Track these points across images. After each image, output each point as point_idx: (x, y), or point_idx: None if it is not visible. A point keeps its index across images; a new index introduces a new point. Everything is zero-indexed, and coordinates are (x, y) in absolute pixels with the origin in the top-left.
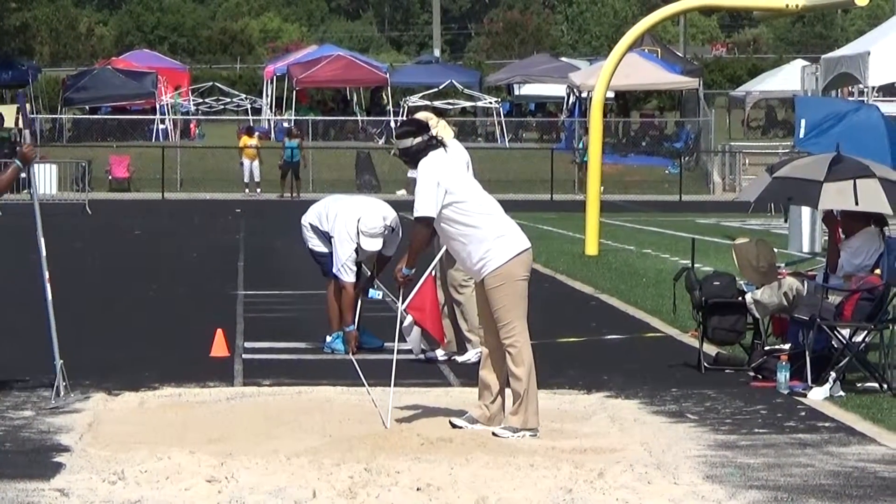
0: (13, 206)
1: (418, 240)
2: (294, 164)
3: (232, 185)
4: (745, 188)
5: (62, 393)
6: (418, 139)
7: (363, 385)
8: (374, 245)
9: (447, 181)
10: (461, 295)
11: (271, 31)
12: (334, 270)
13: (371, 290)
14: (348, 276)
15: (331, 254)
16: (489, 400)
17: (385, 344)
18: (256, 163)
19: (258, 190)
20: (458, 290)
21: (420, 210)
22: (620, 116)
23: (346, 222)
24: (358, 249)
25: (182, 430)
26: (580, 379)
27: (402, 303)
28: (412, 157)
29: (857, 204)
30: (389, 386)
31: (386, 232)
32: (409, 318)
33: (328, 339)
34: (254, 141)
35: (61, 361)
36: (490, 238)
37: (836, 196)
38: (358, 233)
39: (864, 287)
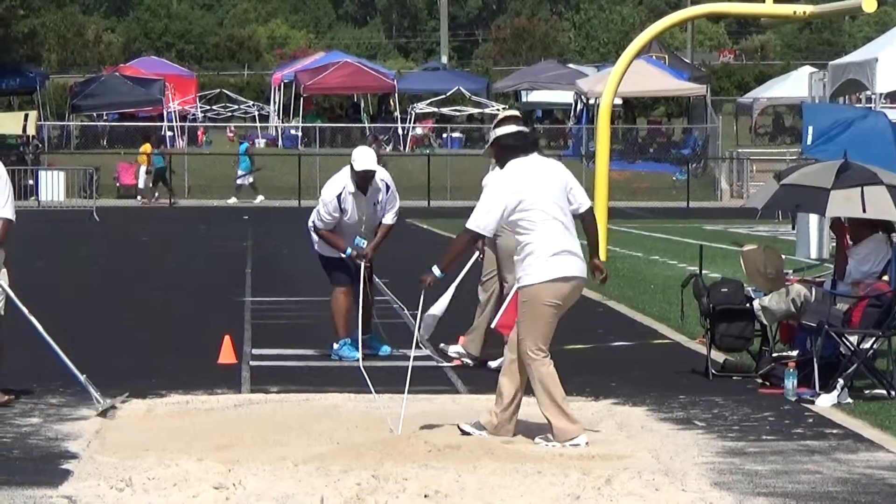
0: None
1: (458, 247)
2: (160, 169)
3: (241, 192)
4: (753, 195)
5: (101, 401)
6: (514, 129)
7: (371, 392)
8: (364, 163)
9: (519, 193)
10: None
11: (279, 38)
12: (309, 222)
13: (358, 238)
14: (319, 222)
15: (335, 258)
16: (500, 407)
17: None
18: (143, 168)
19: (155, 195)
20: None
21: (474, 223)
22: (627, 123)
23: (328, 188)
24: (342, 207)
25: (189, 436)
26: (587, 386)
27: (420, 309)
28: (500, 151)
29: (864, 211)
30: (397, 393)
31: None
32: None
33: (335, 346)
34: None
35: (84, 375)
36: (539, 255)
37: (844, 203)
38: (342, 192)
39: (872, 294)
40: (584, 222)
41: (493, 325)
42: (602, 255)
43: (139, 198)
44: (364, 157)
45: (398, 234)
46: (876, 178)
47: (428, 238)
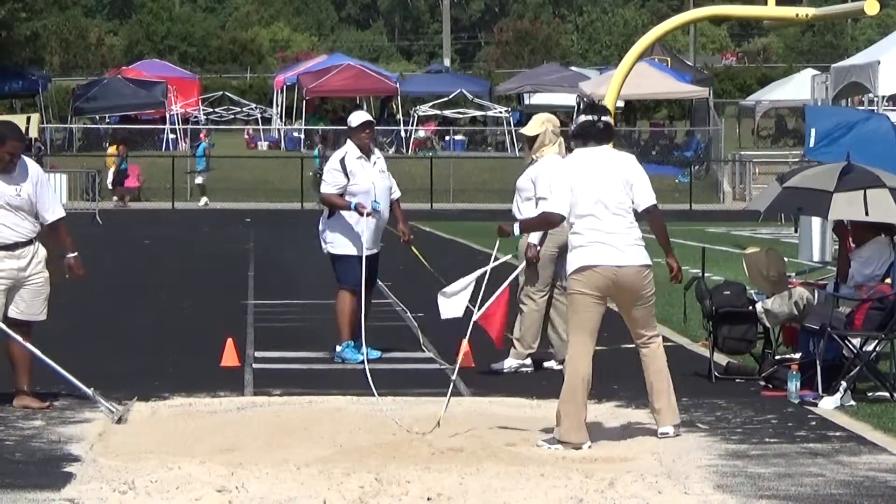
0: None
1: (538, 221)
2: (122, 171)
3: (241, 195)
4: (755, 197)
5: (115, 409)
6: (588, 118)
7: (373, 395)
8: (361, 116)
9: (570, 181)
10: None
11: (281, 41)
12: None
13: (374, 202)
14: (326, 186)
15: (345, 256)
16: (654, 402)
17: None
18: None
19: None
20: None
21: (550, 206)
22: (629, 125)
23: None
24: (350, 171)
25: (192, 439)
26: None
27: (477, 309)
28: (573, 139)
29: (867, 214)
30: (399, 396)
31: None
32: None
33: (338, 348)
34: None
35: (91, 389)
36: (572, 246)
37: (847, 206)
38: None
39: (874, 296)
40: (647, 221)
41: (474, 319)
42: None
43: (114, 199)
44: (359, 113)
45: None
46: (879, 181)
47: (430, 241)
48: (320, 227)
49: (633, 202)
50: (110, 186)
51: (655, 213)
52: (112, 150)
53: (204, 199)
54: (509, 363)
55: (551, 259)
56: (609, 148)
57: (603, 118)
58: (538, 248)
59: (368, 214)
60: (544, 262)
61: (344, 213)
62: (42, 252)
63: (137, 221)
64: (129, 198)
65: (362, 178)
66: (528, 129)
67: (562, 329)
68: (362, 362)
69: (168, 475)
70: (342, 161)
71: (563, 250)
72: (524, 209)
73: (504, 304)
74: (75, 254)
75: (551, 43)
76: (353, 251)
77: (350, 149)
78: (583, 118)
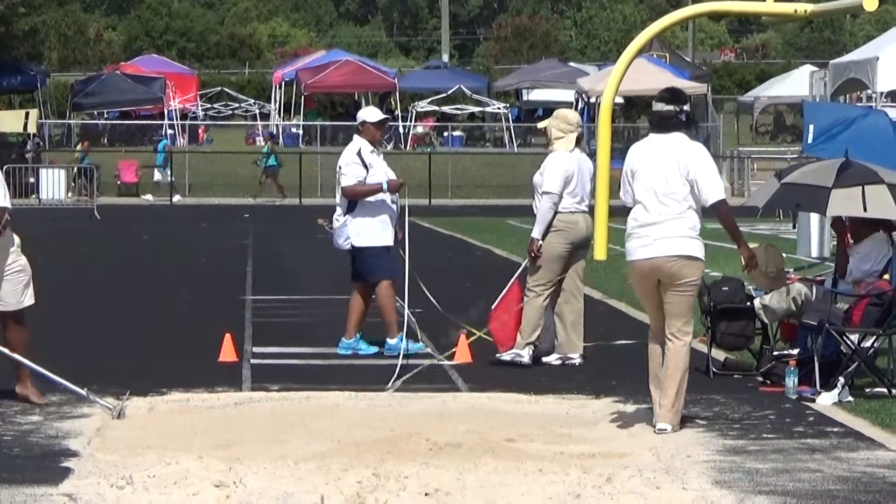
0: (17, 210)
1: (732, 218)
2: (87, 168)
3: (240, 190)
4: (754, 193)
5: (111, 405)
6: (669, 107)
7: (371, 391)
8: (378, 112)
9: (629, 167)
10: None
11: (280, 37)
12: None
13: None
14: (349, 179)
15: (373, 248)
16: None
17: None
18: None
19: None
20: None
21: (721, 192)
22: (628, 121)
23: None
24: (368, 163)
25: (190, 435)
26: (589, 384)
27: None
28: (657, 123)
29: (865, 210)
30: (398, 392)
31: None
32: None
33: (390, 341)
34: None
35: (85, 389)
36: (626, 235)
37: (845, 202)
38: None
39: (872, 292)
40: (716, 217)
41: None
42: (603, 253)
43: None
44: (373, 109)
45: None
46: (877, 178)
47: (429, 236)
48: (337, 225)
49: (697, 195)
50: (73, 182)
51: (721, 209)
52: (81, 146)
53: (148, 196)
54: (506, 354)
55: (560, 255)
56: (679, 136)
57: (685, 108)
58: (539, 241)
59: (395, 191)
60: (553, 258)
61: (370, 198)
62: (15, 240)
63: (135, 217)
64: (86, 195)
65: (378, 169)
66: (540, 123)
67: (570, 324)
68: (405, 355)
69: (166, 470)
70: (359, 154)
71: (575, 247)
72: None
73: (517, 312)
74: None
75: (550, 39)
76: (381, 241)
77: (362, 143)
78: (657, 107)
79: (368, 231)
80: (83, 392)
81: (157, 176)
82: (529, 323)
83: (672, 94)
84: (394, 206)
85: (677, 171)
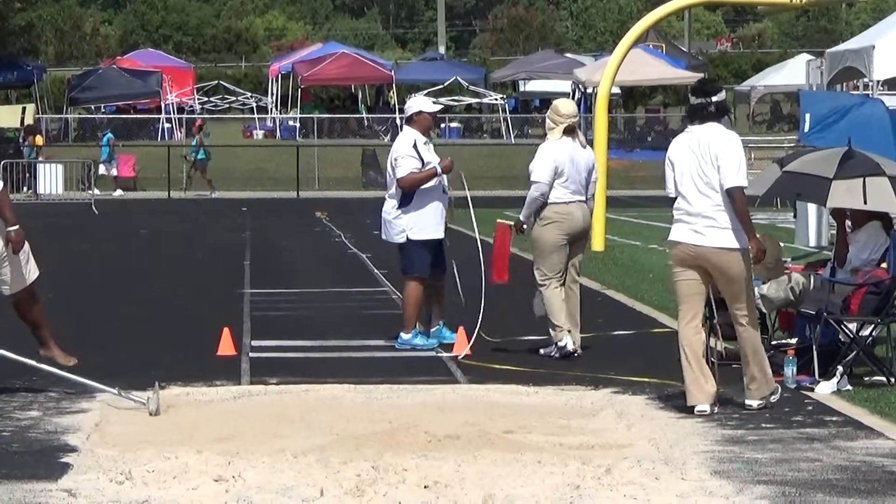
0: (15, 206)
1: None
2: (33, 164)
3: (237, 184)
4: (753, 181)
5: (145, 400)
6: (699, 99)
7: (370, 384)
8: (431, 103)
9: (669, 156)
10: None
11: (276, 30)
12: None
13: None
14: (406, 171)
15: (423, 241)
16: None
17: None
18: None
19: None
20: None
21: (740, 180)
22: (625, 112)
23: (400, 145)
24: (423, 157)
25: (189, 429)
26: (587, 375)
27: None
28: (690, 115)
29: (865, 203)
30: (396, 384)
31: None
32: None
33: (404, 335)
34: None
35: (117, 389)
36: (673, 222)
37: (845, 194)
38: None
39: (870, 281)
40: (730, 202)
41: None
42: (600, 244)
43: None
44: (425, 98)
45: None
46: (879, 169)
47: None
48: (391, 217)
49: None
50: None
51: (736, 196)
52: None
53: (94, 190)
54: (552, 350)
55: (558, 246)
56: (714, 126)
57: (713, 98)
58: (523, 223)
59: (448, 171)
60: (551, 249)
61: (425, 186)
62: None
63: (134, 211)
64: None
65: (432, 159)
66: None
67: (575, 313)
68: (434, 348)
69: (165, 465)
70: (415, 146)
71: (573, 237)
72: None
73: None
74: (16, 227)
75: (546, 30)
76: (433, 235)
77: (416, 135)
78: (691, 99)
79: (424, 224)
80: (115, 391)
81: (102, 170)
82: (554, 312)
83: (700, 86)
84: (445, 195)
85: (711, 161)
